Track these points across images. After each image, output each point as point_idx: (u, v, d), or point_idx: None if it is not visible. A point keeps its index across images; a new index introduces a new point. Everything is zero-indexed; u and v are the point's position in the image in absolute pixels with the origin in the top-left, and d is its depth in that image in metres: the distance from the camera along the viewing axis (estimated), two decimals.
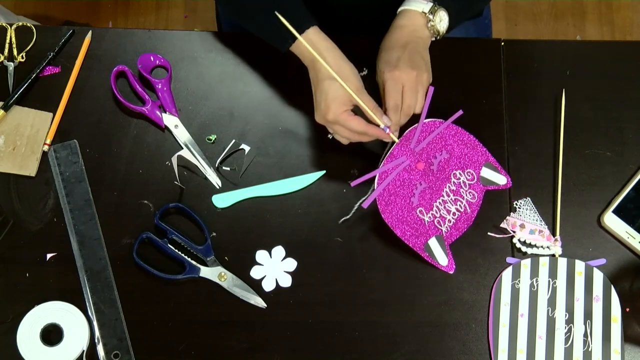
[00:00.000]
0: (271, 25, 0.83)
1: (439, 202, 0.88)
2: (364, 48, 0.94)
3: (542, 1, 1.92)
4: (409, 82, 0.84)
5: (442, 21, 0.88)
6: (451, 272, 0.88)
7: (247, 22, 0.90)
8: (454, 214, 0.88)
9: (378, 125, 0.84)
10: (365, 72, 0.94)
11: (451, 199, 0.88)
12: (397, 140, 0.86)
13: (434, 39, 0.90)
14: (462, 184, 0.89)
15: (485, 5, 0.94)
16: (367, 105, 0.83)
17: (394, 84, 0.84)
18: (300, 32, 0.82)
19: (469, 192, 0.89)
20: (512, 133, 0.94)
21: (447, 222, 0.88)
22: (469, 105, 0.93)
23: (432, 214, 0.87)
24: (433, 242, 0.87)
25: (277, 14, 0.81)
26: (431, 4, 0.87)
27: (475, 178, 0.89)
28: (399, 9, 0.90)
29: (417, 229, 0.86)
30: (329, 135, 0.90)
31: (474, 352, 0.86)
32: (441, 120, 0.89)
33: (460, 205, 0.88)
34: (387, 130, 0.84)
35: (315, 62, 0.83)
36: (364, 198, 0.89)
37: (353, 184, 0.85)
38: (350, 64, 0.84)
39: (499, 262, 0.90)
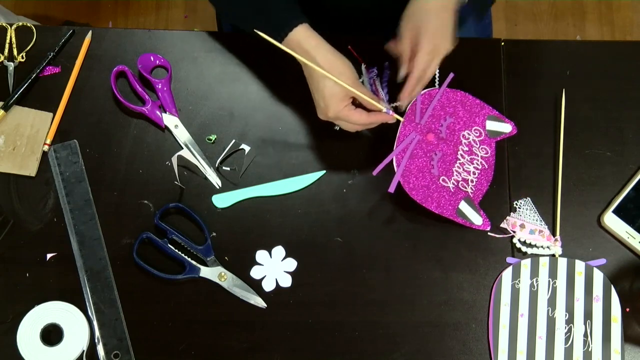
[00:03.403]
0: (261, 24, 0.84)
1: (457, 166, 0.89)
2: (361, 48, 0.94)
3: (542, 1, 1.92)
4: (440, 55, 0.83)
5: None
6: (488, 229, 0.89)
7: (240, 22, 0.90)
8: (473, 173, 0.89)
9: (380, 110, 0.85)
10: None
11: (467, 160, 0.89)
12: (402, 119, 0.87)
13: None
14: (472, 143, 0.90)
15: None
16: (366, 94, 0.84)
17: (427, 54, 0.82)
18: (288, 30, 0.82)
19: (482, 148, 0.90)
20: None
21: (470, 182, 0.89)
22: None
23: (454, 180, 0.88)
24: (464, 205, 0.88)
25: (256, 30, 0.81)
26: None
27: (483, 134, 0.91)
28: None
29: (445, 197, 0.88)
30: (335, 127, 0.91)
31: (474, 352, 0.86)
32: (436, 88, 0.90)
33: (477, 163, 0.90)
34: (390, 112, 0.85)
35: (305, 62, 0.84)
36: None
37: (375, 172, 0.86)
38: (342, 57, 0.84)
39: (499, 262, 0.90)
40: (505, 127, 0.92)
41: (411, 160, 0.87)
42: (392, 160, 0.87)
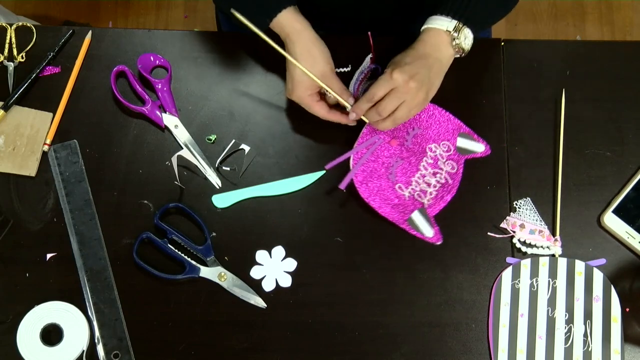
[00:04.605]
0: (250, 4, 0.85)
1: (418, 177, 0.89)
2: (350, 47, 0.95)
3: (542, 1, 1.92)
4: (400, 88, 0.82)
5: (466, 38, 0.85)
6: (438, 244, 0.88)
7: (231, 3, 0.90)
8: (434, 186, 0.89)
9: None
10: (349, 69, 0.95)
11: (430, 172, 0.89)
12: (367, 120, 0.88)
13: (458, 56, 0.87)
14: (439, 157, 0.90)
15: (505, 15, 0.91)
16: (333, 88, 0.86)
17: (385, 81, 0.83)
18: (273, 14, 0.84)
19: (447, 163, 0.90)
20: (512, 133, 0.94)
21: (428, 194, 0.89)
22: (469, 105, 0.93)
23: (411, 189, 0.88)
24: (416, 215, 0.88)
25: (233, 11, 0.82)
26: (455, 22, 0.84)
27: (452, 149, 0.90)
28: (423, 28, 0.87)
29: (397, 204, 0.88)
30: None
31: (474, 352, 0.86)
32: None
33: (440, 177, 0.89)
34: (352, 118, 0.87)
35: (287, 44, 0.86)
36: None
37: (327, 166, 0.89)
38: (322, 45, 0.86)
39: (499, 262, 0.89)
40: (478, 147, 0.91)
41: (370, 161, 0.88)
42: (350, 158, 0.88)
